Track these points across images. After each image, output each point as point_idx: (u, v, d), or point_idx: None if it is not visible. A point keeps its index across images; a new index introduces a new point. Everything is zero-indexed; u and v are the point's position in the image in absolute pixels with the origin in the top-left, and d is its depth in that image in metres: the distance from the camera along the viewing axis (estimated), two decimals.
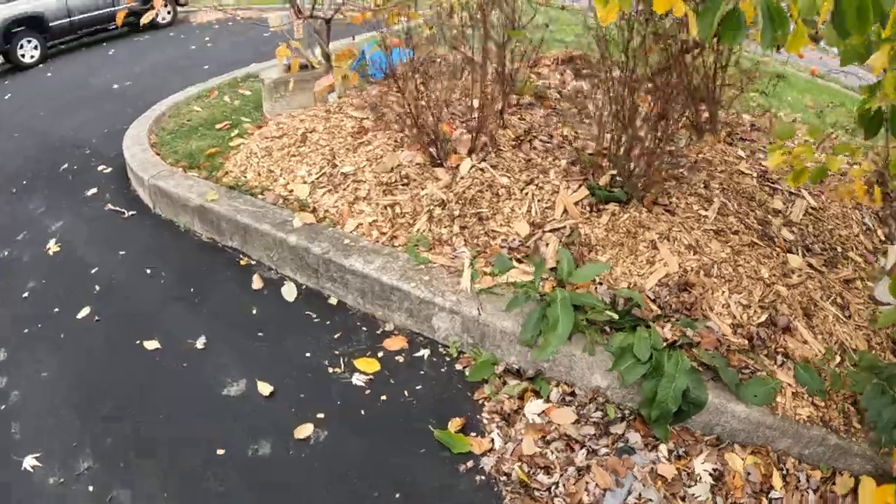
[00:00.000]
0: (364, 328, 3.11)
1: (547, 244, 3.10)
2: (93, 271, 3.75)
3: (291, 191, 3.66)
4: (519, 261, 3.07)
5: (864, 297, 3.42)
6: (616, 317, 2.85)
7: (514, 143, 3.67)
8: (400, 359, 2.96)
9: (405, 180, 3.44)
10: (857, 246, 3.67)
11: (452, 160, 3.44)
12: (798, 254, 3.43)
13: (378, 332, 3.10)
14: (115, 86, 7.43)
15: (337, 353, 2.98)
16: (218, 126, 4.98)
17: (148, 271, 3.66)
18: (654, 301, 3.03)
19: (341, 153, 3.77)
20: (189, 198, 3.86)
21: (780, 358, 2.91)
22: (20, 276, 3.81)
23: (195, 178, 4.10)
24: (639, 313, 2.93)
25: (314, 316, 3.19)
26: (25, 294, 3.64)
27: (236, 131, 4.78)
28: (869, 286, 3.49)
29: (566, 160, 3.50)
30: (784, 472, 2.60)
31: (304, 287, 3.37)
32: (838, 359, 2.99)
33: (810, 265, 3.39)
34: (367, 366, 2.90)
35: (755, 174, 3.86)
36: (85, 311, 3.40)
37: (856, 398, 2.72)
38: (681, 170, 3.38)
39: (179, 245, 3.89)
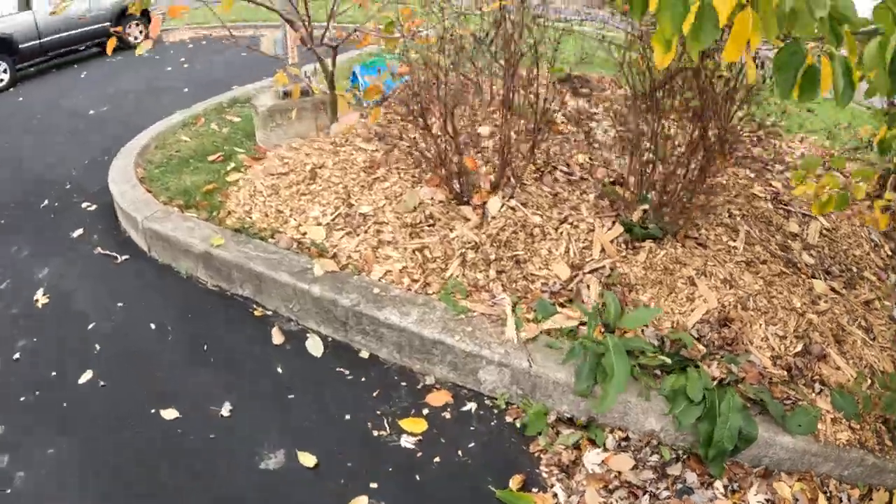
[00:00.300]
0: (403, 383, 2.80)
1: (588, 286, 2.85)
2: (90, 327, 3.30)
3: (305, 233, 3.29)
4: (562, 305, 2.81)
5: (884, 318, 3.33)
6: (669, 361, 2.64)
7: (535, 174, 3.39)
8: (446, 415, 2.66)
9: (430, 220, 3.13)
10: (870, 265, 3.57)
11: (478, 197, 3.14)
12: (820, 278, 3.29)
13: (418, 386, 2.79)
14: (91, 111, 6.81)
15: (379, 412, 2.66)
16: (210, 158, 4.53)
17: (153, 326, 3.23)
18: (698, 339, 2.83)
19: (356, 191, 3.41)
20: (191, 243, 3.44)
21: (817, 386, 2.83)
22: (8, 334, 3.33)
23: (195, 220, 3.67)
24: (686, 353, 2.75)
25: (346, 372, 2.85)
26: (17, 356, 3.17)
27: (231, 164, 4.35)
28: (886, 305, 3.40)
29: (593, 193, 3.24)
30: (828, 494, 2.57)
31: (330, 340, 3.02)
32: (868, 381, 2.92)
33: (832, 289, 3.27)
34: (415, 426, 2.59)
35: (768, 196, 3.71)
36: (87, 376, 2.97)
37: (886, 418, 2.73)
38: (714, 201, 3.17)
39: (183, 294, 3.47)
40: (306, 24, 3.54)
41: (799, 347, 2.99)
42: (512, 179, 3.16)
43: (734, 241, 3.18)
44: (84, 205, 4.62)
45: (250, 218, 3.56)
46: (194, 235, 3.50)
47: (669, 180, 2.92)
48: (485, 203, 3.10)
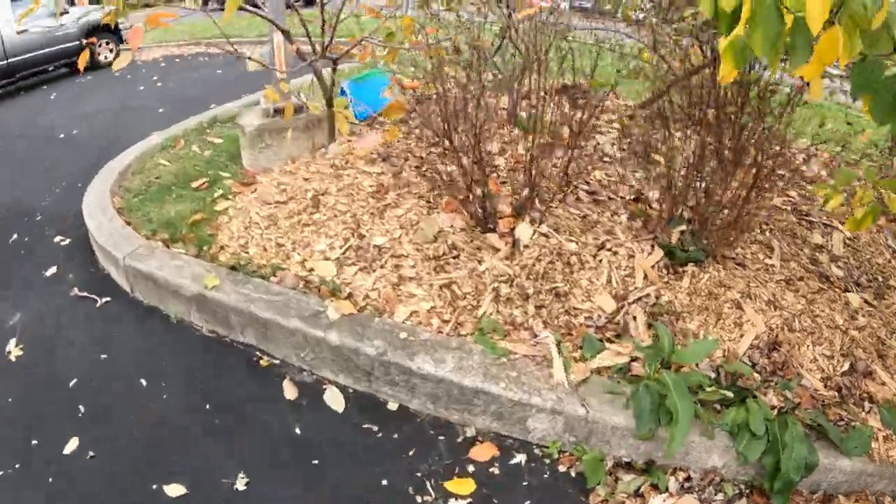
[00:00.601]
0: (441, 437, 2.39)
1: (634, 318, 2.48)
2: (72, 384, 2.78)
3: (312, 270, 2.83)
4: (609, 340, 2.44)
5: None
6: (731, 395, 2.32)
7: (558, 194, 3.00)
8: (494, 470, 2.27)
9: (454, 252, 2.71)
10: (894, 273, 3.33)
11: (503, 224, 2.73)
12: (853, 291, 3.02)
13: (458, 440, 2.38)
14: (62, 134, 6.13)
15: (419, 474, 2.25)
16: (194, 184, 4.00)
17: (144, 382, 2.73)
18: (752, 367, 2.51)
19: (366, 220, 2.97)
20: (181, 284, 2.94)
21: (866, 404, 2.60)
22: None
23: (183, 257, 3.17)
24: (741, 382, 2.43)
25: (375, 429, 2.42)
26: None
27: (218, 191, 3.82)
28: None
29: (624, 214, 2.88)
30: None
31: (351, 391, 2.59)
32: None
33: (866, 301, 3.00)
34: (462, 487, 2.21)
35: (789, 208, 3.43)
36: (73, 444, 2.46)
37: None
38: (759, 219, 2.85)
39: (176, 342, 2.97)
40: (308, 35, 3.05)
41: (846, 366, 2.73)
42: (537, 203, 2.76)
43: (770, 258, 2.88)
44: (57, 238, 4.03)
45: (247, 253, 3.07)
46: (184, 275, 2.99)
47: (709, 200, 2.58)
48: (512, 229, 2.71)
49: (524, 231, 2.63)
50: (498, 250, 2.64)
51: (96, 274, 3.62)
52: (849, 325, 2.82)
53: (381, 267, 2.70)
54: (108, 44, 9.19)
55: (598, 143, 3.78)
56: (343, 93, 4.56)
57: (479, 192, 2.67)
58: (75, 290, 3.47)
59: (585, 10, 9.04)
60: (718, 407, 2.38)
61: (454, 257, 2.68)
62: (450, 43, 2.77)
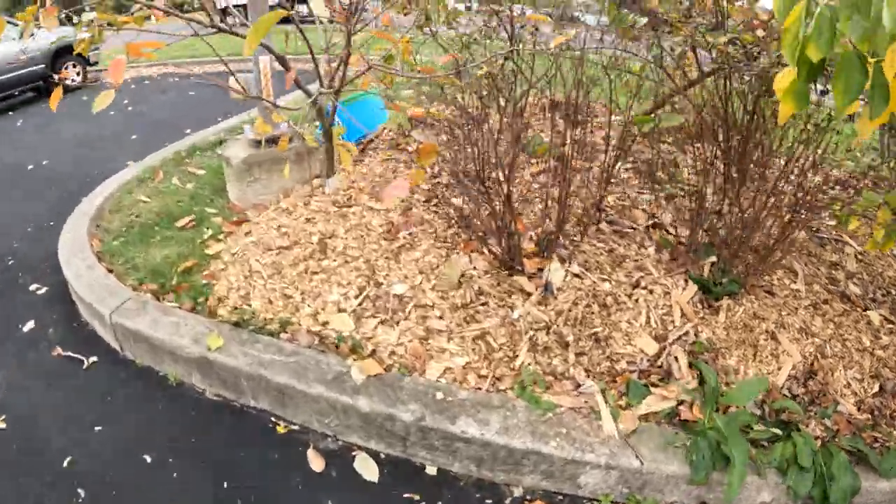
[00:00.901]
0: (488, 501, 2.13)
1: (676, 358, 2.28)
2: (65, 463, 2.42)
3: (326, 323, 2.53)
4: (653, 384, 2.23)
5: None
6: (780, 432, 2.18)
7: (579, 226, 2.77)
8: None
9: (482, 297, 2.45)
10: None
11: (531, 264, 2.49)
12: (872, 308, 2.91)
13: (506, 501, 2.12)
14: (31, 165, 5.57)
15: None
16: (179, 223, 3.61)
17: (148, 458, 2.39)
18: (793, 398, 2.36)
19: (381, 265, 2.67)
20: (180, 345, 2.60)
21: None
22: None
23: (177, 312, 2.81)
24: (784, 415, 2.29)
25: (416, 497, 2.15)
26: None
27: (207, 231, 3.46)
28: None
29: (651, 246, 2.68)
30: None
31: (384, 457, 2.30)
32: None
33: (884, 318, 2.90)
34: None
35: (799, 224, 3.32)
36: None
37: None
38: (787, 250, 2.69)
39: (178, 409, 2.62)
40: (314, 58, 2.71)
41: (876, 388, 2.62)
42: (562, 239, 2.53)
43: (795, 282, 2.74)
44: (33, 287, 3.58)
45: (249, 306, 2.74)
46: (182, 334, 2.64)
47: (741, 233, 2.40)
48: (540, 269, 2.47)
49: (556, 273, 2.40)
50: (529, 294, 2.40)
51: (80, 329, 3.21)
52: (874, 346, 2.71)
53: (405, 319, 2.42)
54: (75, 67, 8.54)
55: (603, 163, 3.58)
56: (327, 113, 4.24)
57: (507, 233, 2.43)
58: (58, 349, 3.06)
59: (549, 16, 8.83)
60: (765, 443, 2.25)
61: (483, 304, 2.43)
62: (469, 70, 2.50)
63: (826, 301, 2.74)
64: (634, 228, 2.79)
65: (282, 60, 2.88)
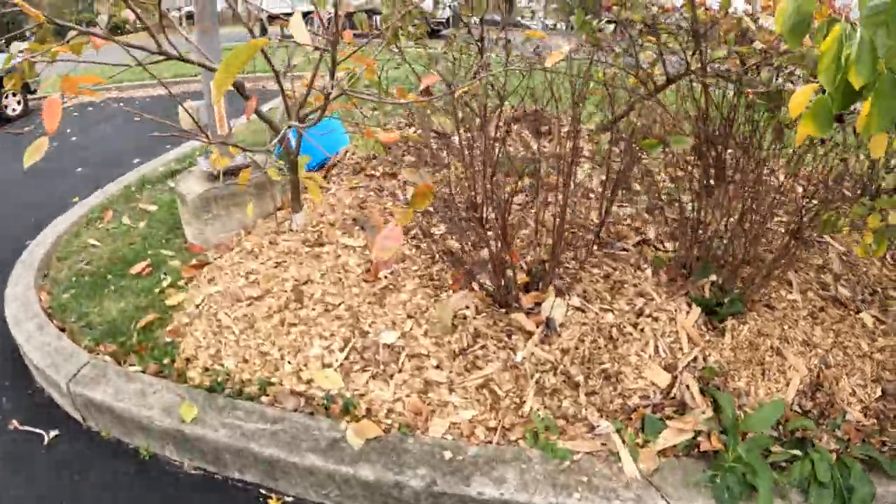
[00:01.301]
0: None
1: (688, 387, 2.12)
2: None
3: (311, 381, 2.25)
4: (668, 417, 2.06)
5: None
6: (799, 453, 2.06)
7: (573, 252, 2.57)
8: None
9: (479, 341, 2.22)
10: (884, 281, 3.20)
11: (527, 299, 2.27)
12: (864, 310, 2.84)
13: None
14: None
15: None
16: (134, 269, 3.22)
17: None
18: (805, 413, 2.24)
19: (364, 311, 2.40)
20: (149, 416, 2.27)
21: None
22: None
23: (142, 377, 2.47)
24: (799, 433, 2.18)
25: None
26: None
27: (166, 278, 3.09)
28: None
29: (647, 267, 2.50)
30: None
31: None
32: None
33: (876, 318, 2.83)
34: None
35: (783, 229, 3.22)
36: None
37: None
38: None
39: (154, 487, 2.29)
40: (281, 88, 2.37)
41: (878, 392, 2.55)
42: (558, 270, 2.32)
43: (791, 292, 2.62)
44: None
45: (222, 366, 2.41)
46: (150, 404, 2.31)
47: (741, 251, 2.26)
48: (538, 304, 2.26)
49: (557, 308, 2.19)
50: (530, 333, 2.19)
51: (36, 397, 2.79)
52: (872, 349, 2.63)
53: (399, 371, 2.17)
54: (14, 95, 7.75)
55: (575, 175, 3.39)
56: (292, 143, 3.89)
57: (502, 268, 2.20)
58: (14, 423, 2.64)
59: (497, 23, 8.65)
60: (784, 463, 2.13)
61: (482, 348, 2.20)
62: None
63: (822, 308, 2.64)
64: (626, 250, 2.62)
65: (239, 88, 2.54)
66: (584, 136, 3.89)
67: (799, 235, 2.23)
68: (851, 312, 2.74)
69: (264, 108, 4.00)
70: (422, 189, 1.74)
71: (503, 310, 2.28)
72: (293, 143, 2.76)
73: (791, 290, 2.63)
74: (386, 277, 2.49)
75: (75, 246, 3.60)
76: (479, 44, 2.94)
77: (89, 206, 4.02)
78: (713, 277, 2.37)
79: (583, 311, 2.26)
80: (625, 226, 2.91)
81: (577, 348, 2.14)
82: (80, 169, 5.50)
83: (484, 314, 2.28)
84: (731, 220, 2.44)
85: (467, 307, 2.30)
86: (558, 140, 3.18)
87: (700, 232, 2.57)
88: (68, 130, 7.01)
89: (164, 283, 3.07)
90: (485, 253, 2.16)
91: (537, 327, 2.20)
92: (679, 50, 2.74)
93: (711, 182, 2.67)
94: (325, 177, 3.44)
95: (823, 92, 1.41)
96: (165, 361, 2.59)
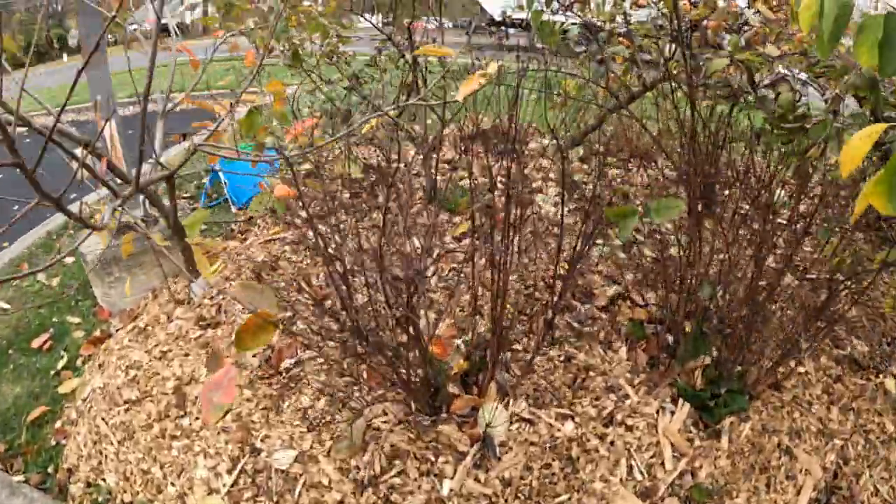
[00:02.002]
0: None
1: None
2: None
3: None
4: None
5: None
6: None
7: (524, 322, 1.95)
8: None
9: (396, 464, 1.62)
10: None
11: (460, 403, 1.67)
12: (884, 369, 2.20)
13: None
14: None
15: None
16: (36, 343, 2.68)
17: None
18: None
19: (257, 420, 1.82)
20: None
21: None
22: None
23: (24, 491, 1.93)
24: None
25: None
26: None
27: (63, 355, 2.53)
28: None
29: (620, 344, 1.88)
30: None
31: None
32: None
33: None
34: None
35: (781, 264, 2.56)
36: None
37: None
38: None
39: None
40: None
41: None
42: (503, 355, 1.72)
43: (802, 363, 1.99)
44: None
45: (104, 482, 1.86)
46: None
47: (752, 319, 1.63)
48: (474, 409, 1.66)
49: (497, 421, 1.58)
50: (462, 454, 1.60)
51: None
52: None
53: (295, 501, 1.60)
54: None
55: (534, 201, 2.75)
56: (216, 175, 3.29)
57: (412, 362, 1.61)
58: None
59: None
60: None
61: (399, 473, 1.62)
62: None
63: (838, 378, 2.01)
64: (594, 319, 2.00)
65: (85, 146, 1.91)
66: (547, 153, 3.24)
67: (827, 313, 1.61)
68: (871, 376, 2.10)
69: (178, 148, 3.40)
70: (250, 323, 1.13)
71: (430, 417, 1.69)
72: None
73: (802, 359, 2.00)
74: (286, 373, 1.91)
75: None
76: (405, 57, 2.29)
77: (10, 258, 3.47)
78: (706, 359, 1.75)
79: (532, 423, 1.65)
80: (594, 272, 2.28)
81: (522, 478, 1.54)
82: None
83: (403, 425, 1.70)
84: (731, 275, 1.80)
85: (384, 412, 1.71)
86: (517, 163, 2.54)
87: (689, 280, 1.95)
88: None
89: (61, 364, 2.51)
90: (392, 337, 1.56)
91: (472, 445, 1.61)
92: (656, 57, 2.08)
93: (703, 222, 2.03)
94: (249, 219, 2.84)
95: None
96: (50, 470, 2.06)
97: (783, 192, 2.01)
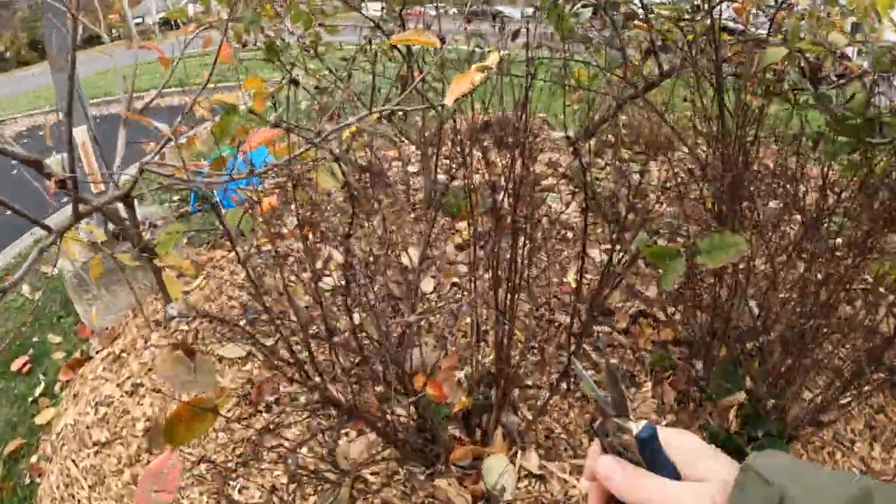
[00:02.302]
0: None
1: None
2: None
3: None
4: None
5: None
6: None
7: (532, 349, 1.70)
8: None
9: None
10: None
11: (459, 453, 1.44)
12: None
13: None
14: None
15: None
16: (15, 366, 2.49)
17: None
18: None
19: (235, 467, 1.59)
20: None
21: None
22: None
23: None
24: None
25: None
26: None
27: (42, 380, 2.35)
28: None
29: (646, 378, 1.62)
30: None
31: None
32: None
33: None
34: None
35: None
36: None
37: None
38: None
39: None
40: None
41: None
42: (512, 395, 1.47)
43: (844, 394, 1.72)
44: None
45: None
46: None
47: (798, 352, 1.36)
48: (477, 459, 1.43)
49: (506, 478, 1.35)
50: None
51: None
52: None
53: None
54: None
55: (545, 200, 2.47)
56: (193, 197, 3.06)
57: (417, 406, 1.37)
58: None
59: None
60: None
61: None
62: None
63: (881, 409, 1.75)
64: (613, 346, 1.73)
65: (41, 167, 1.67)
66: (559, 146, 2.94)
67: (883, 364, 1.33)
68: None
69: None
70: (181, 413, 0.90)
71: (427, 472, 1.46)
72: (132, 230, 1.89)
73: (842, 387, 1.73)
74: (269, 408, 1.68)
75: None
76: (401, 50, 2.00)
77: None
78: (741, 395, 1.49)
79: (543, 479, 1.40)
80: (590, 280, 2.02)
81: None
82: None
83: (397, 479, 1.47)
84: (772, 295, 1.53)
85: (372, 460, 1.48)
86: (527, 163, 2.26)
87: (719, 297, 1.68)
88: None
89: (38, 391, 2.32)
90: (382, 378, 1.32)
91: (467, 498, 1.38)
92: (678, 41, 1.78)
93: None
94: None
95: None
96: None
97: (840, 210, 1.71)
